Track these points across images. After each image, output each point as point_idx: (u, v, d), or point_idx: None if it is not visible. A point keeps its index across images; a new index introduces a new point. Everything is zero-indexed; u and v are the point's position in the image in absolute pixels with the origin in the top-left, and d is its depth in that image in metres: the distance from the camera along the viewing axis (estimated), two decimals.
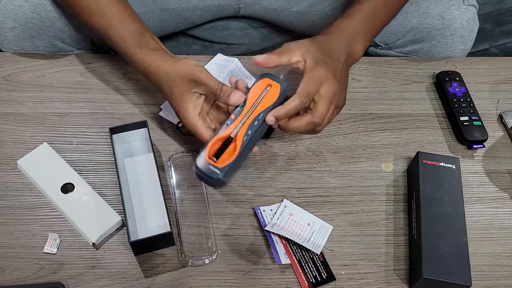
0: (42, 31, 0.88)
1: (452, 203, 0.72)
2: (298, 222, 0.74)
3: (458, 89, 0.89)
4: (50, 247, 0.70)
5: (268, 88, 0.72)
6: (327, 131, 0.84)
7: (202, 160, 0.66)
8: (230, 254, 0.71)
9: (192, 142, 0.81)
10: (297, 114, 0.72)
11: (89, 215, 0.72)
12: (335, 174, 0.80)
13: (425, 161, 0.76)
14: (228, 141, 0.68)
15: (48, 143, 0.79)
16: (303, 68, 0.73)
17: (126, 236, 0.67)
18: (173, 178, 0.77)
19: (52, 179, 0.75)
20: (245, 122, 0.69)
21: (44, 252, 0.70)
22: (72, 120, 0.84)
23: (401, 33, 0.94)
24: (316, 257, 0.71)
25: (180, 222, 0.73)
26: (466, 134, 0.84)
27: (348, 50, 0.78)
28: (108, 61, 0.92)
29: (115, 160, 0.75)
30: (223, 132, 0.69)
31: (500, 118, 0.88)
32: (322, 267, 0.70)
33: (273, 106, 0.70)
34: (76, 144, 0.81)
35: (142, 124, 0.79)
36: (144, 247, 0.70)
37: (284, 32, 1.10)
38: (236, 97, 0.70)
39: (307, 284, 0.69)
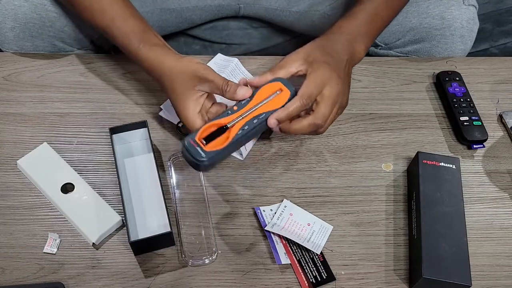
0: (42, 31, 0.88)
1: (452, 203, 0.72)
2: (298, 222, 0.74)
3: (458, 89, 0.89)
4: (50, 247, 0.70)
5: (278, 93, 0.71)
6: (327, 131, 0.83)
7: (191, 139, 0.66)
8: (230, 254, 0.71)
9: None
10: (298, 115, 0.72)
11: (89, 215, 0.72)
12: (335, 174, 0.80)
13: (425, 161, 0.76)
14: (222, 129, 0.68)
15: (48, 143, 0.79)
16: (305, 72, 0.73)
17: (126, 236, 0.67)
18: (173, 178, 0.77)
19: (52, 179, 0.75)
20: (245, 116, 0.69)
21: (44, 252, 0.70)
22: (72, 120, 0.84)
23: (401, 33, 0.94)
24: (316, 257, 0.71)
25: (180, 222, 0.73)
26: (466, 134, 0.84)
27: (350, 50, 0.78)
28: (108, 61, 0.92)
29: (115, 160, 0.75)
30: (221, 119, 0.68)
31: (500, 118, 0.88)
32: (322, 267, 0.70)
33: (275, 111, 0.70)
34: (76, 144, 0.81)
35: (142, 124, 0.79)
36: (144, 247, 0.70)
37: (284, 32, 1.10)
38: (243, 92, 0.70)
39: (307, 284, 0.69)
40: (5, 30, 0.87)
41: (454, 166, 0.76)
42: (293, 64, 0.74)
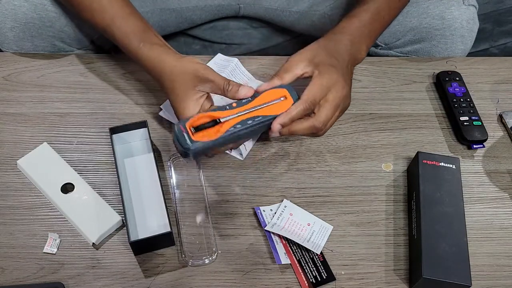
0: (42, 31, 0.88)
1: (452, 203, 0.72)
2: (298, 222, 0.74)
3: (458, 89, 0.89)
4: (50, 247, 0.70)
5: (281, 99, 0.71)
6: (327, 131, 0.84)
7: (182, 124, 0.66)
8: (230, 254, 0.71)
9: None
10: None
11: (89, 215, 0.72)
12: (335, 174, 0.80)
13: (425, 161, 0.76)
14: (215, 122, 0.68)
15: (48, 143, 0.79)
16: (311, 74, 0.73)
17: (126, 236, 0.67)
18: (173, 178, 0.77)
19: (52, 179, 0.75)
20: (241, 115, 0.68)
21: (44, 252, 0.70)
22: (72, 120, 0.84)
23: (401, 33, 0.94)
24: (316, 257, 0.71)
25: (180, 222, 0.73)
26: (466, 134, 0.84)
27: (352, 51, 0.78)
28: (108, 61, 0.92)
29: (115, 160, 0.75)
30: (217, 112, 0.68)
31: (500, 118, 0.88)
32: (322, 267, 0.70)
33: (272, 118, 0.69)
34: (76, 144, 0.81)
35: (142, 124, 0.79)
36: (144, 247, 0.70)
37: (284, 32, 1.10)
38: (245, 91, 0.70)
39: (307, 284, 0.69)
40: (5, 30, 0.87)
41: (454, 166, 0.76)
42: (298, 66, 0.73)
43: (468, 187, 0.80)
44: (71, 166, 0.77)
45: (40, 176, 0.75)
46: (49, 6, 0.86)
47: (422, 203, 0.72)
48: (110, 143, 0.77)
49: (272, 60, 0.94)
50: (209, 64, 0.92)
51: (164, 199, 0.72)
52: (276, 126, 0.69)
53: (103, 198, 0.74)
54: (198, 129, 0.67)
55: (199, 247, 0.71)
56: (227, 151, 0.81)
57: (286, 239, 0.72)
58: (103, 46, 0.99)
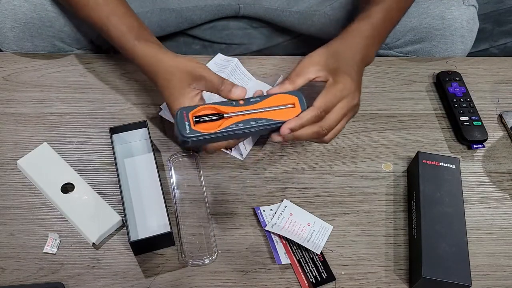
0: (41, 31, 0.88)
1: (452, 203, 0.72)
2: (298, 222, 0.74)
3: (458, 89, 0.89)
4: (50, 247, 0.70)
5: (289, 106, 0.70)
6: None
7: (185, 111, 0.66)
8: (230, 254, 0.71)
9: None
10: None
11: (89, 215, 0.72)
12: (335, 174, 0.80)
13: (425, 161, 0.76)
14: (219, 115, 0.68)
15: (48, 143, 0.79)
16: (325, 80, 0.72)
17: (126, 236, 0.67)
18: (173, 178, 0.77)
19: (52, 179, 0.75)
20: (245, 114, 0.68)
21: (44, 252, 0.70)
22: (72, 120, 0.84)
23: (401, 33, 0.94)
24: (316, 257, 0.71)
25: (180, 222, 0.73)
26: (466, 134, 0.84)
27: (364, 55, 0.77)
28: (108, 61, 0.92)
29: (115, 160, 0.75)
30: (222, 106, 0.68)
31: (500, 118, 0.88)
32: (322, 267, 0.70)
33: (276, 123, 0.68)
34: (76, 144, 0.81)
35: (142, 124, 0.79)
36: (144, 247, 0.70)
37: (284, 32, 1.10)
38: (238, 91, 0.70)
39: (307, 284, 0.69)
40: (5, 30, 0.87)
41: (454, 166, 0.76)
42: (311, 69, 0.73)
43: (468, 187, 0.80)
44: (71, 166, 0.77)
45: (40, 176, 0.75)
46: (48, 6, 0.86)
47: (422, 203, 0.72)
48: (110, 143, 0.77)
49: (272, 60, 0.95)
50: (209, 64, 0.92)
51: (164, 199, 0.72)
52: (285, 130, 0.68)
53: (103, 198, 0.74)
54: (200, 119, 0.67)
55: (199, 247, 0.71)
56: (227, 151, 0.81)
57: (286, 239, 0.72)
58: (102, 46, 0.99)
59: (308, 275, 0.69)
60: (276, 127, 0.69)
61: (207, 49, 1.11)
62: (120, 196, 0.71)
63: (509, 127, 0.86)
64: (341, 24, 1.00)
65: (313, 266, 0.70)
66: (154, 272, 0.69)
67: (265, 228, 0.72)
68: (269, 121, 0.68)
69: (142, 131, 0.79)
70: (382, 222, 0.76)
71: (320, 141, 0.73)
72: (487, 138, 0.84)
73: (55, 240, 0.70)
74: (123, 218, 0.71)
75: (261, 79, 0.91)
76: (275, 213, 0.75)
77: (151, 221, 0.72)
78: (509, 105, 0.90)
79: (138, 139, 0.80)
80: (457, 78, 0.91)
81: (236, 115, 0.68)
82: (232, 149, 0.81)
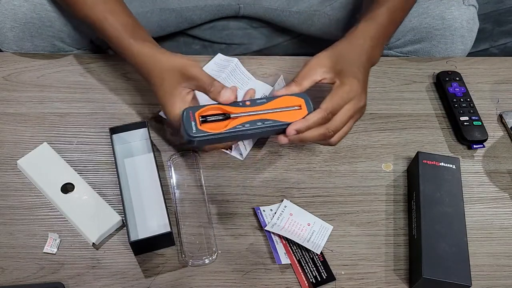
0: (41, 31, 0.88)
1: (452, 203, 0.72)
2: (298, 222, 0.74)
3: (458, 89, 0.89)
4: (50, 247, 0.70)
5: (296, 108, 0.70)
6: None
7: (192, 111, 0.66)
8: (230, 254, 0.71)
9: None
10: None
11: (89, 215, 0.72)
12: (335, 174, 0.80)
13: (425, 161, 0.76)
14: (225, 115, 0.68)
15: (48, 143, 0.79)
16: (331, 82, 0.72)
17: (126, 236, 0.67)
18: (173, 178, 0.77)
19: (52, 179, 0.75)
20: (252, 115, 0.68)
21: (44, 252, 0.70)
22: (72, 120, 0.84)
23: (401, 33, 0.94)
24: (316, 257, 0.71)
25: (180, 222, 0.73)
26: (466, 134, 0.84)
27: (371, 57, 0.77)
28: (108, 61, 0.92)
29: (115, 160, 0.75)
30: (229, 107, 0.68)
31: (500, 118, 0.88)
32: (322, 267, 0.70)
33: (282, 124, 0.68)
34: (76, 144, 0.81)
35: (142, 124, 0.79)
36: (144, 247, 0.70)
37: (284, 32, 1.10)
38: (227, 94, 0.69)
39: (307, 284, 0.69)
40: (4, 30, 0.87)
41: (454, 166, 0.76)
42: (317, 71, 0.73)
43: (468, 187, 0.80)
44: (71, 166, 0.77)
45: (40, 176, 0.75)
46: (48, 6, 0.86)
47: (422, 203, 0.72)
48: (110, 143, 0.77)
49: (272, 60, 0.94)
50: (209, 64, 0.92)
51: (164, 199, 0.72)
52: (291, 131, 0.68)
53: (103, 198, 0.74)
54: (207, 119, 0.66)
55: (199, 247, 0.71)
56: (227, 151, 0.81)
57: (286, 239, 0.72)
58: (102, 46, 0.99)
59: (308, 275, 0.69)
60: (282, 129, 0.69)
61: (207, 49, 1.11)
62: (120, 196, 0.71)
63: (509, 127, 0.86)
64: (342, 24, 1.00)
65: (313, 266, 0.70)
66: (154, 272, 0.69)
67: (265, 228, 0.72)
68: (275, 122, 0.68)
69: (142, 131, 0.79)
70: (382, 222, 0.76)
71: (326, 143, 0.73)
72: (487, 138, 0.84)
73: (55, 240, 0.70)
74: (123, 218, 0.71)
75: (261, 79, 0.91)
76: (275, 213, 0.75)
77: (151, 221, 0.72)
78: (509, 105, 0.90)
79: (138, 139, 0.80)
80: (457, 78, 0.91)
81: (242, 116, 0.68)
82: (232, 149, 0.81)
